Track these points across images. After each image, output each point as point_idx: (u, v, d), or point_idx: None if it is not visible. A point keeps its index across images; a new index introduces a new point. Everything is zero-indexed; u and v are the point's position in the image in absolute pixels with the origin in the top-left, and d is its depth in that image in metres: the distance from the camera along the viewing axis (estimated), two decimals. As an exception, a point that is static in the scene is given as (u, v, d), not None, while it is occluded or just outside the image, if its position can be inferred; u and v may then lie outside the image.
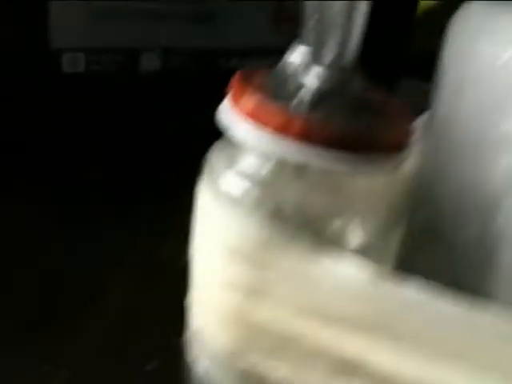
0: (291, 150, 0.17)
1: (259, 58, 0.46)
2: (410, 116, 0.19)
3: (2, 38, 0.36)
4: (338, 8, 0.17)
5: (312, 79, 0.17)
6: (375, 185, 0.19)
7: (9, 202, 0.34)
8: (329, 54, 0.17)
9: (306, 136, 0.17)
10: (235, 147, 0.19)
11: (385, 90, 0.19)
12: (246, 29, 0.45)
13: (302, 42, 0.19)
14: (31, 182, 0.36)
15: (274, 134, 0.17)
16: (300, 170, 0.18)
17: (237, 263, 0.18)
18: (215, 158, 0.20)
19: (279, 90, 0.18)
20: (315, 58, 0.18)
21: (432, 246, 0.22)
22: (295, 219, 0.18)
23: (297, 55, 0.19)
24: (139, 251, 0.32)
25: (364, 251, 0.18)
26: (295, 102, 0.17)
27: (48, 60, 0.38)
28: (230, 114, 0.18)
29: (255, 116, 0.17)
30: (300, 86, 0.18)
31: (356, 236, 0.19)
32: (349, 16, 0.17)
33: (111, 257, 0.31)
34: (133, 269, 0.31)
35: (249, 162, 0.19)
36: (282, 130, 0.17)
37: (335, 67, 0.17)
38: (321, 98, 0.17)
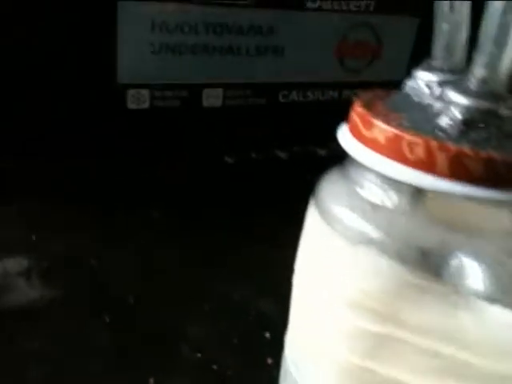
0: (438, 184, 0.15)
1: (319, 91, 0.45)
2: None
3: (70, 71, 0.36)
4: (490, 17, 0.15)
5: (455, 109, 0.15)
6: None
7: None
8: (474, 78, 0.15)
9: (455, 170, 0.15)
10: (352, 181, 0.17)
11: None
12: (309, 62, 0.43)
13: (434, 62, 0.17)
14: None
15: (416, 167, 0.15)
16: (420, 201, 0.16)
17: (359, 316, 0.16)
18: (327, 189, 0.18)
19: (411, 120, 0.16)
20: (455, 80, 0.16)
21: None
22: (420, 261, 0.16)
23: (426, 77, 0.17)
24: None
25: (490, 298, 0.16)
26: (438, 133, 0.15)
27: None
28: (357, 143, 0.16)
29: (393, 147, 0.15)
30: (438, 115, 0.16)
31: (485, 281, 0.16)
32: (502, 27, 0.15)
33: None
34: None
35: (370, 196, 0.17)
36: (427, 163, 0.15)
37: (483, 94, 0.15)
38: (467, 130, 0.15)
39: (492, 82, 0.15)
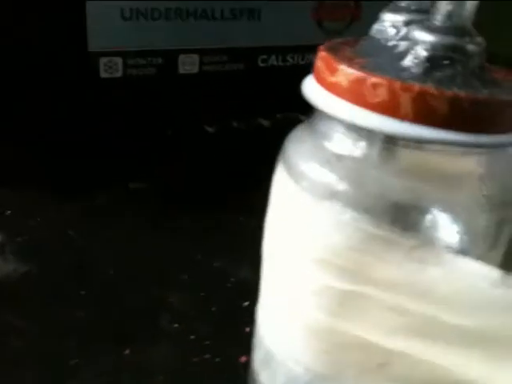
0: (403, 129, 0.14)
1: (299, 55, 0.44)
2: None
3: (39, 41, 0.34)
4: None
5: (419, 47, 0.14)
6: (486, 167, 0.15)
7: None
8: (439, 14, 0.14)
9: (419, 111, 0.14)
10: (319, 133, 0.16)
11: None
12: (287, 25, 0.42)
13: (400, 3, 0.16)
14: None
15: (379, 110, 0.14)
16: (392, 152, 0.15)
17: (325, 273, 0.15)
18: (293, 147, 0.17)
19: (375, 62, 0.15)
20: (421, 19, 0.15)
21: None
22: (387, 214, 0.15)
23: (392, 18, 0.16)
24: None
25: (463, 251, 0.15)
26: (402, 73, 0.14)
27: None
28: (321, 90, 0.16)
29: (355, 90, 0.14)
30: (403, 55, 0.15)
31: (456, 234, 0.15)
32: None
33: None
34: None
35: (338, 149, 0.16)
36: (391, 105, 0.14)
37: (448, 30, 0.14)
38: (432, 68, 0.14)
39: (457, 16, 0.14)
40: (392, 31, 0.16)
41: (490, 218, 0.15)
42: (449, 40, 0.14)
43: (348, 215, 0.15)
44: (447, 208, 0.15)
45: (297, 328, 0.17)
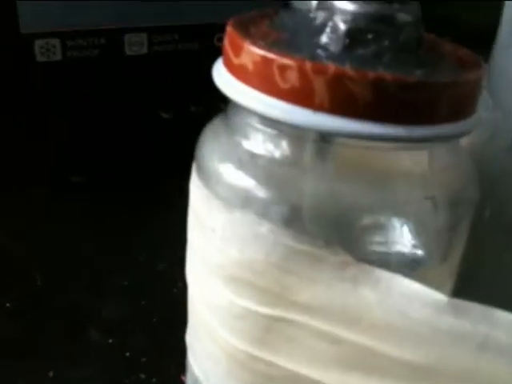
0: (317, 120, 0.11)
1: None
2: (480, 69, 0.13)
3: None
4: None
5: (337, 18, 0.11)
6: (428, 164, 0.13)
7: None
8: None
9: (336, 99, 0.11)
10: (234, 128, 0.14)
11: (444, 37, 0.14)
12: (244, 1, 0.39)
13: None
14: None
15: (290, 98, 0.11)
16: (323, 150, 0.12)
17: (244, 294, 0.13)
18: (208, 145, 0.15)
19: (291, 39, 0.12)
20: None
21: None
22: (316, 222, 0.12)
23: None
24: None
25: (414, 261, 0.13)
26: (318, 52, 0.11)
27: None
28: (227, 75, 0.13)
29: (262, 74, 0.12)
30: (321, 30, 0.12)
31: (402, 241, 0.13)
32: None
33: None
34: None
35: (254, 147, 0.13)
36: (303, 91, 0.11)
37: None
38: (352, 44, 0.11)
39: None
40: (312, 3, 0.13)
41: (438, 222, 0.13)
42: (373, 8, 0.11)
43: (266, 227, 0.12)
44: (386, 214, 0.12)
45: (219, 356, 0.15)
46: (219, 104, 0.44)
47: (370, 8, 0.11)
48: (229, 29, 0.13)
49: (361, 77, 0.11)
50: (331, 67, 0.11)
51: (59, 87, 0.35)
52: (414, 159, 0.12)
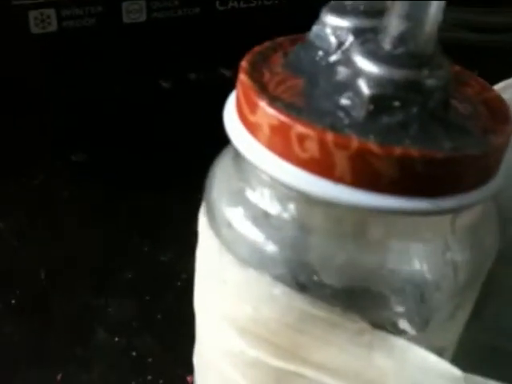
0: (337, 193, 0.11)
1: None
2: (509, 123, 0.12)
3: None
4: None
5: (361, 81, 0.11)
6: (450, 228, 0.12)
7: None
8: (389, 36, 0.11)
9: (359, 173, 0.10)
10: (244, 175, 0.13)
11: (476, 76, 0.13)
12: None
13: (344, 9, 0.12)
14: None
15: (309, 168, 0.11)
16: (338, 215, 0.12)
17: (256, 347, 0.13)
18: (217, 186, 0.14)
19: (309, 91, 0.12)
20: (372, 27, 0.11)
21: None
22: (331, 290, 0.12)
23: (334, 22, 0.12)
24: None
25: (426, 323, 0.12)
26: (339, 117, 0.11)
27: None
28: (241, 128, 0.12)
29: (279, 138, 0.11)
30: (343, 88, 0.11)
31: (416, 306, 0.12)
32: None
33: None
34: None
35: (266, 205, 0.12)
36: (323, 163, 0.11)
37: (400, 59, 0.10)
38: (377, 111, 0.11)
39: (413, 40, 0.10)
40: (333, 40, 0.12)
41: (456, 284, 0.12)
42: (400, 73, 0.10)
43: (280, 289, 0.12)
44: (404, 280, 0.12)
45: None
46: (221, 69, 0.42)
47: (398, 73, 0.10)
48: (242, 76, 0.12)
49: (386, 153, 0.10)
50: (354, 141, 0.10)
51: (56, 59, 0.33)
52: (436, 224, 0.12)
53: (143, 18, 0.35)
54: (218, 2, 0.38)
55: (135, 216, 0.29)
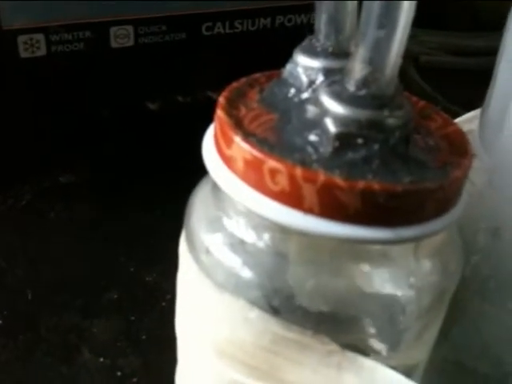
0: (306, 223, 0.11)
1: (248, 20, 0.39)
2: (468, 156, 0.13)
3: None
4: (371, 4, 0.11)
5: (328, 119, 0.11)
6: (413, 254, 0.13)
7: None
8: (353, 78, 0.11)
9: (325, 204, 0.11)
10: (221, 204, 0.14)
11: (440, 111, 0.14)
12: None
13: (317, 41, 0.13)
14: None
15: (280, 199, 0.12)
16: (309, 243, 0.12)
17: (233, 368, 0.13)
18: (195, 215, 0.15)
19: (282, 127, 0.12)
20: (340, 67, 0.12)
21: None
22: (303, 313, 0.13)
23: (306, 62, 0.13)
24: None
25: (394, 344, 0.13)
26: (308, 153, 0.11)
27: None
28: (218, 161, 0.13)
29: (252, 171, 0.12)
30: (312, 125, 0.12)
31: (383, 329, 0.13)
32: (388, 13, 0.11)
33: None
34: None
35: (241, 232, 0.13)
36: (292, 195, 0.11)
37: (363, 100, 0.11)
38: (342, 148, 0.11)
39: (375, 83, 0.11)
40: (305, 79, 0.13)
41: (420, 307, 0.13)
42: (364, 114, 0.11)
43: (255, 313, 0.13)
44: (371, 305, 0.13)
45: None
46: (207, 93, 0.43)
47: (361, 113, 0.11)
48: (219, 112, 0.13)
49: (350, 187, 0.11)
50: (321, 175, 0.11)
51: (45, 83, 0.34)
52: (400, 251, 0.12)
53: (131, 42, 0.36)
54: (203, 28, 0.39)
55: (122, 236, 0.29)
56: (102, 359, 0.23)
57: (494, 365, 0.15)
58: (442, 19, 0.47)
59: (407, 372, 0.14)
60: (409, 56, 0.42)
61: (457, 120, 0.17)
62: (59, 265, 0.27)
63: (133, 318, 0.25)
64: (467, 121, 0.17)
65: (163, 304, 0.26)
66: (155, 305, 0.26)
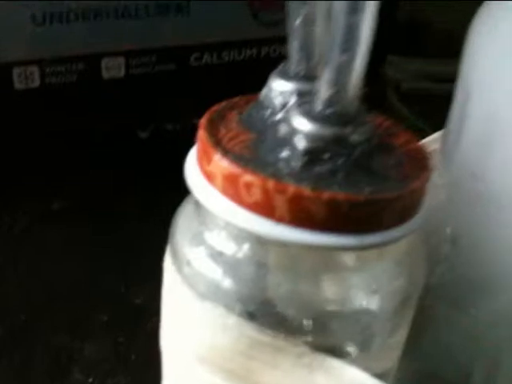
0: (277, 231, 0.12)
1: (236, 51, 0.41)
2: (427, 171, 0.14)
3: None
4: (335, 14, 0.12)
5: (297, 137, 0.13)
6: (377, 260, 0.14)
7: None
8: (319, 99, 0.13)
9: (295, 214, 0.12)
10: (203, 218, 0.15)
11: (405, 129, 0.15)
12: (220, 19, 0.39)
13: (289, 66, 0.14)
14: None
15: (254, 210, 0.13)
16: (283, 252, 0.13)
17: (213, 374, 0.14)
18: (179, 230, 0.16)
19: (257, 145, 0.13)
20: (309, 90, 0.13)
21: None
22: (278, 318, 0.13)
23: (280, 86, 0.14)
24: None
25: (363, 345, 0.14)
26: (280, 167, 0.13)
27: None
28: (199, 176, 0.14)
29: (230, 185, 0.13)
30: (283, 143, 0.13)
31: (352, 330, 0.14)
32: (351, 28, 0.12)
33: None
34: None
35: (221, 244, 0.14)
36: (265, 205, 0.12)
37: (328, 118, 0.12)
38: (311, 162, 0.12)
39: (339, 102, 0.12)
40: (279, 101, 0.14)
41: (384, 311, 0.14)
42: (330, 131, 0.12)
43: (233, 320, 0.14)
44: (341, 307, 0.14)
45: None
46: (196, 120, 0.45)
47: (327, 130, 0.12)
48: (200, 132, 0.14)
49: (316, 196, 0.12)
50: (291, 187, 0.12)
51: (38, 113, 0.35)
52: (365, 257, 0.13)
53: (122, 73, 0.38)
54: (192, 59, 0.40)
55: (111, 259, 0.30)
56: (91, 379, 0.24)
57: (456, 370, 0.16)
58: (423, 47, 0.49)
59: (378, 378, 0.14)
60: (390, 83, 0.44)
61: (424, 140, 0.18)
62: (51, 288, 0.28)
63: (122, 339, 0.26)
64: (434, 141, 0.18)
65: (151, 325, 0.26)
66: (143, 326, 0.26)
